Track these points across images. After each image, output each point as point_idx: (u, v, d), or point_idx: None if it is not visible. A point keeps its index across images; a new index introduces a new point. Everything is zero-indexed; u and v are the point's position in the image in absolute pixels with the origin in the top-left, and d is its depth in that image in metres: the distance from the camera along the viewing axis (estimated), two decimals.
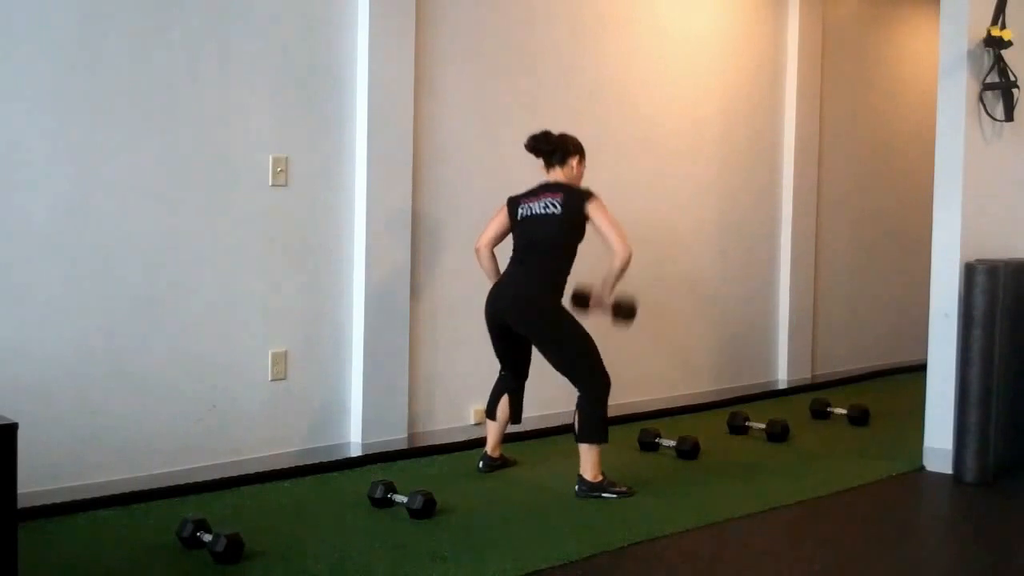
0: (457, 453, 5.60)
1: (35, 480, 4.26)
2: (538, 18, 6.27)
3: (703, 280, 7.29)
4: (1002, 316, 5.34)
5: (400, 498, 4.58)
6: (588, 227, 5.02)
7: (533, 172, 6.36)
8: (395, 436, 5.59)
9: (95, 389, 4.66)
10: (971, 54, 5.46)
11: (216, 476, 4.88)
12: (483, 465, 5.28)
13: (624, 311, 5.09)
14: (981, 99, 5.49)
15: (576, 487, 4.89)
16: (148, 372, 4.81)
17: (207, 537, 4.00)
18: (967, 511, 5.15)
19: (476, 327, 5.90)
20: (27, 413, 3.89)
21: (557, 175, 5.13)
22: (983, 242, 5.52)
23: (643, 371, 6.70)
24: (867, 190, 8.50)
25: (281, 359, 5.25)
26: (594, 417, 4.87)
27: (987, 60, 5.49)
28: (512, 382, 5.27)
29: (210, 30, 4.95)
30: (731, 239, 7.43)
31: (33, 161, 4.48)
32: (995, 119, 5.53)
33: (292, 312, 5.30)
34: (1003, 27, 5.43)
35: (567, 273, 5.07)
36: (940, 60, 5.58)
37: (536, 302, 4.98)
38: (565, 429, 6.14)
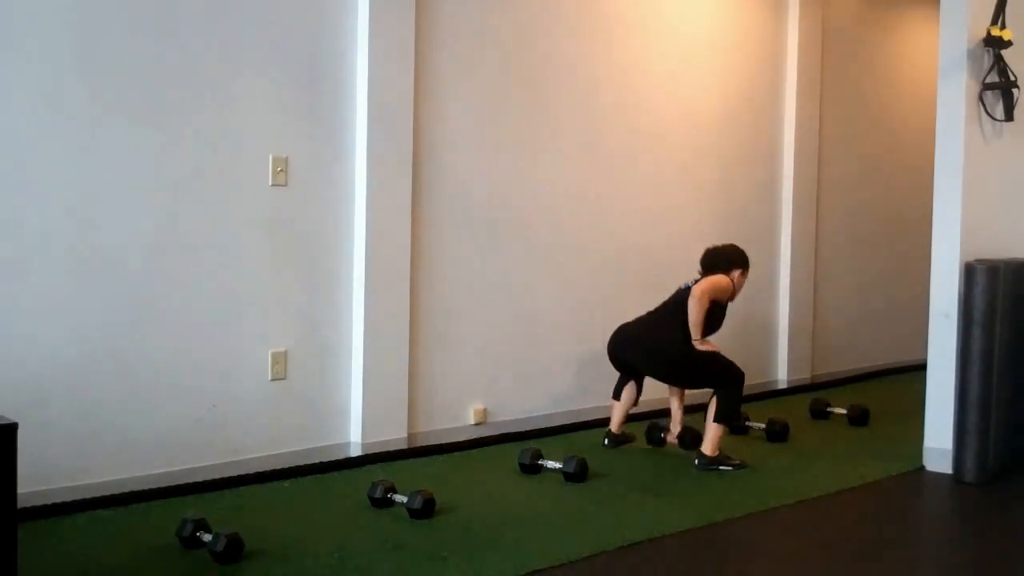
0: (457, 453, 5.60)
1: (35, 480, 4.25)
2: (538, 19, 6.27)
3: None
4: (1002, 316, 5.34)
5: (400, 498, 4.58)
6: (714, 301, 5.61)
7: (533, 172, 6.37)
8: (395, 436, 5.59)
9: (95, 389, 4.66)
10: (971, 54, 5.46)
11: (216, 476, 4.88)
12: (608, 442, 5.78)
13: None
14: (981, 99, 5.49)
15: (696, 461, 5.42)
16: (148, 372, 4.81)
17: (207, 537, 4.00)
18: (967, 511, 5.15)
19: (475, 327, 5.90)
20: (27, 413, 3.89)
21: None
22: (983, 242, 5.51)
23: None
24: (867, 190, 8.50)
25: (281, 359, 5.25)
26: (731, 404, 5.49)
27: (987, 60, 5.48)
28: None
29: (210, 30, 4.95)
30: (731, 239, 7.40)
31: (32, 160, 4.48)
32: (995, 119, 5.53)
33: (292, 312, 5.30)
34: (1003, 27, 5.43)
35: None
36: (940, 60, 5.57)
37: (656, 354, 5.64)
38: (578, 427, 6.19)
